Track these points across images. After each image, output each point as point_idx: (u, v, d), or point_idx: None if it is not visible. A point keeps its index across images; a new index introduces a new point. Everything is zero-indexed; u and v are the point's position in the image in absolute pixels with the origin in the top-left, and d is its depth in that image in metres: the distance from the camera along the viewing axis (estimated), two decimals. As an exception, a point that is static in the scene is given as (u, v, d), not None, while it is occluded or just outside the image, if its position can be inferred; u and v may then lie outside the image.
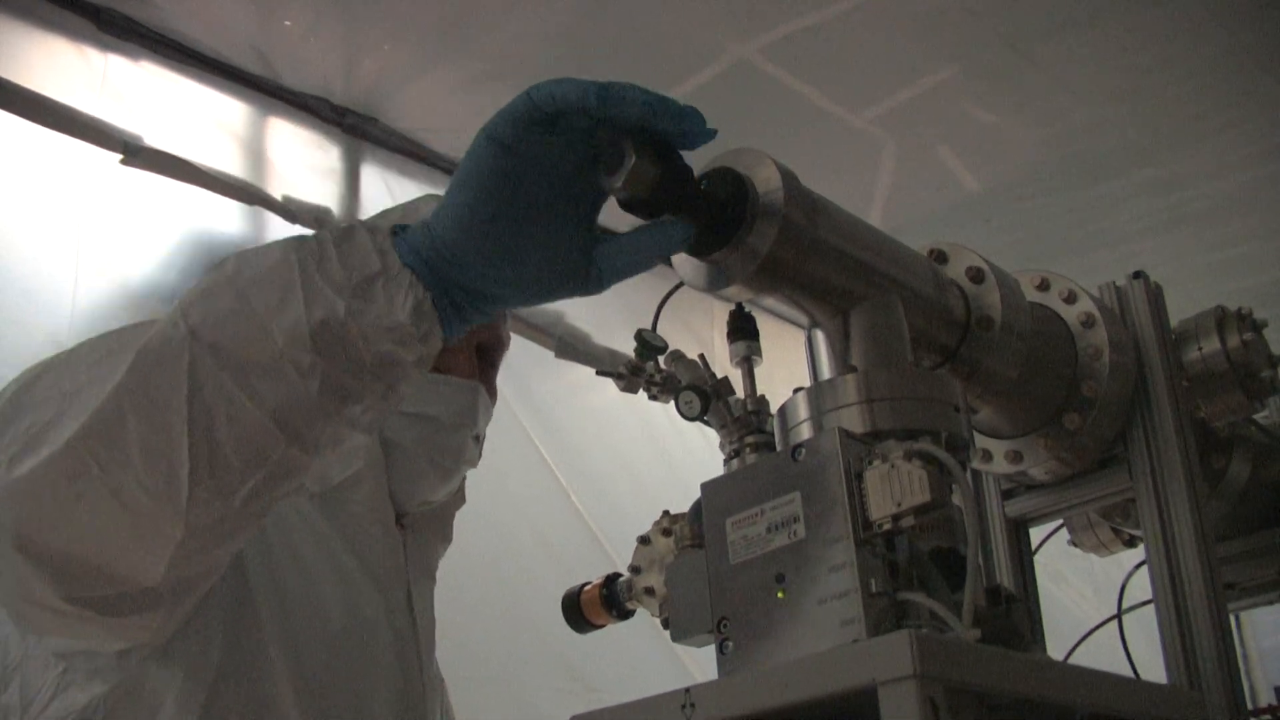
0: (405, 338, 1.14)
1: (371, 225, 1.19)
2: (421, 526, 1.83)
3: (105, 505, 1.18)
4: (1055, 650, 1.91)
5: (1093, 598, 4.57)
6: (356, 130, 3.29)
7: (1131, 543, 1.89)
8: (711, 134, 1.13)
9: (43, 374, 1.28)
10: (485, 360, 1.83)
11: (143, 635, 1.37)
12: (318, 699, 1.56)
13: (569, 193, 1.16)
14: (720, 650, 1.10)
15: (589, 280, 1.19)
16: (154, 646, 1.42)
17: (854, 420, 1.18)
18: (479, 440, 1.81)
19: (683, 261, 1.23)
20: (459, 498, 1.88)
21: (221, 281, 1.17)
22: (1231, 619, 1.49)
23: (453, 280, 1.16)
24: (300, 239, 1.17)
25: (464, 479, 1.87)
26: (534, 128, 1.12)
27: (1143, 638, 1.56)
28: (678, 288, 1.31)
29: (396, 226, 1.19)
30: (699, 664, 3.22)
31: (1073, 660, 1.91)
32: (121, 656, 1.41)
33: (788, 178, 1.19)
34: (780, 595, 1.06)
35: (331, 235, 1.17)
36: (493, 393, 1.84)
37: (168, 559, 1.21)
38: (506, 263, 1.15)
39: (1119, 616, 1.86)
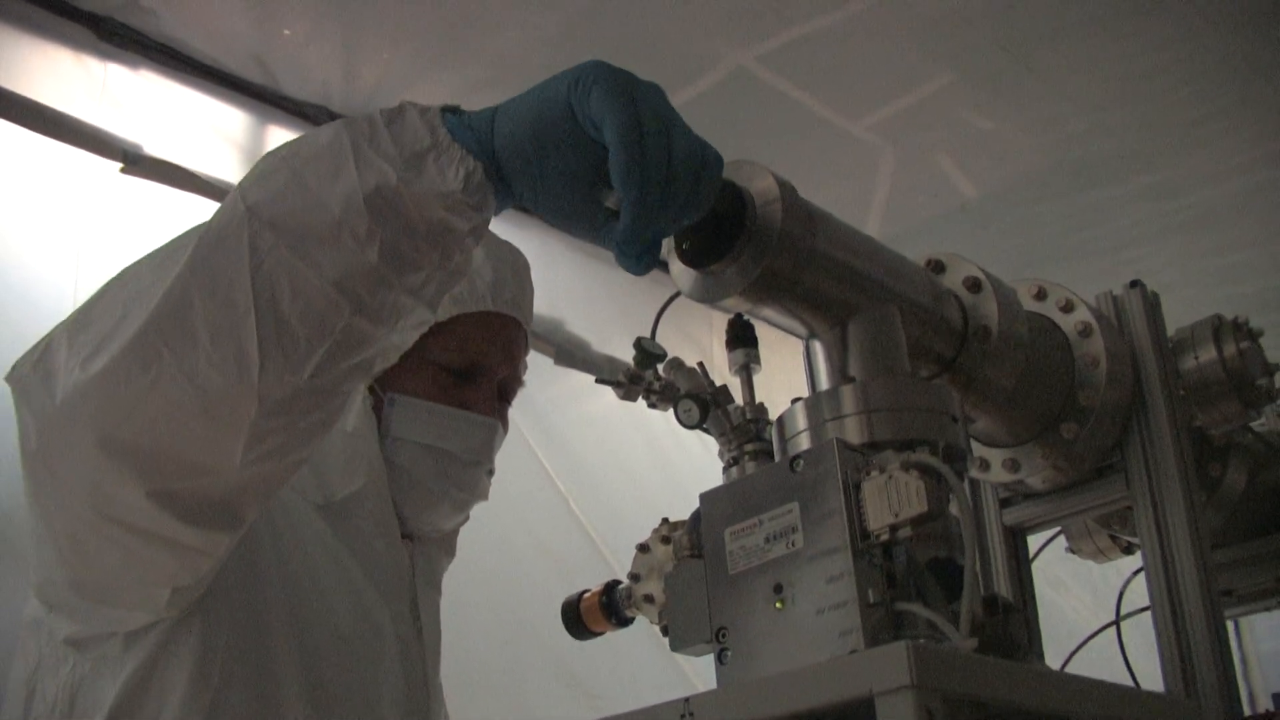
0: (457, 205, 1.18)
1: (422, 105, 1.21)
2: (427, 540, 1.85)
3: (180, 389, 1.20)
4: (1054, 656, 1.92)
5: (1092, 604, 4.56)
6: (356, 137, 3.29)
7: (1129, 550, 1.89)
8: (638, 270, 1.17)
9: (109, 287, 1.30)
10: (502, 396, 1.84)
11: (202, 566, 1.39)
12: (325, 703, 1.57)
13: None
14: (719, 660, 1.10)
15: (598, 237, 1.21)
16: (161, 632, 1.44)
17: (852, 431, 1.18)
18: (490, 474, 1.83)
19: (681, 273, 1.24)
20: (462, 519, 1.90)
21: (275, 162, 1.21)
22: (1230, 624, 1.50)
23: (500, 169, 1.19)
24: (351, 120, 1.21)
25: None
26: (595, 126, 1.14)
27: (1143, 643, 1.56)
28: (675, 297, 1.32)
29: (449, 106, 1.22)
30: (699, 671, 3.23)
31: (1073, 666, 1.92)
32: (128, 644, 1.43)
33: (785, 190, 1.20)
34: (779, 605, 1.07)
35: (382, 114, 1.20)
36: (506, 426, 1.86)
37: (244, 439, 1.23)
38: (536, 187, 1.18)
39: (1117, 623, 1.87)
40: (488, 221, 1.22)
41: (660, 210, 1.13)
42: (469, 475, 1.79)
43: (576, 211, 1.19)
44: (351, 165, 1.16)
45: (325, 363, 1.21)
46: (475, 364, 1.79)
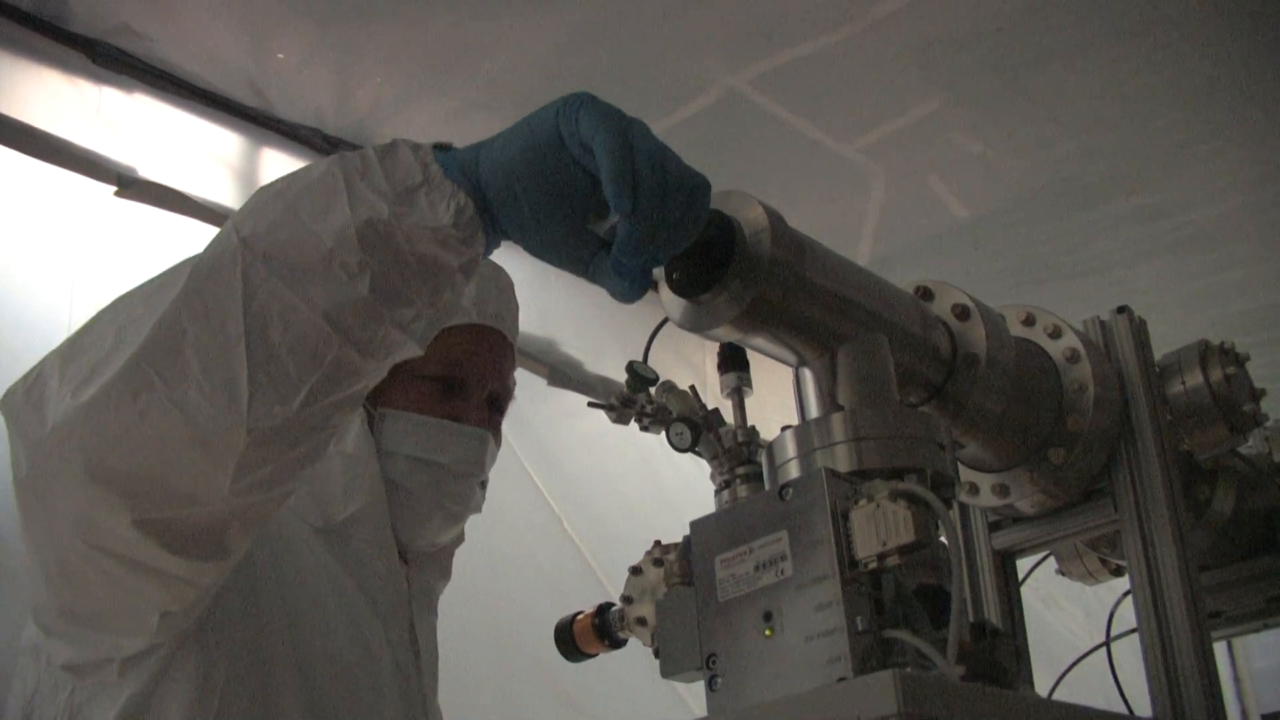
0: (448, 240, 1.19)
1: (414, 142, 1.23)
2: (422, 562, 1.85)
3: (170, 418, 1.21)
4: (1048, 673, 1.93)
5: (1084, 622, 4.57)
6: (349, 160, 3.31)
7: (1119, 572, 1.90)
8: (629, 297, 1.20)
9: (101, 315, 1.31)
10: (493, 408, 1.85)
11: (189, 596, 1.39)
12: None
13: (597, 195, 1.20)
14: (709, 687, 1.11)
15: (586, 271, 1.24)
16: (158, 659, 1.44)
17: (841, 459, 1.19)
18: (484, 486, 1.84)
19: (671, 302, 1.25)
20: (458, 537, 1.91)
21: (269, 195, 1.23)
22: (1223, 643, 1.51)
23: (488, 204, 1.21)
24: (343, 155, 1.23)
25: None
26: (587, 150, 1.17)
27: (1136, 662, 1.57)
28: (664, 323, 1.33)
29: (439, 144, 1.24)
30: (693, 692, 3.22)
31: (1065, 685, 1.93)
32: (124, 671, 1.43)
33: (775, 219, 1.21)
34: (768, 633, 1.08)
35: (375, 150, 1.22)
36: (498, 439, 1.87)
37: (233, 470, 1.23)
38: (524, 221, 1.20)
39: (1108, 644, 1.88)
40: (478, 258, 1.24)
41: (656, 226, 1.14)
42: (461, 487, 1.80)
43: (565, 243, 1.20)
44: (344, 199, 1.18)
45: (315, 395, 1.21)
46: (462, 376, 1.81)
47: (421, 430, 1.77)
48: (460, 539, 1.92)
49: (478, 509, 1.85)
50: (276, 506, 1.38)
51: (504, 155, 1.19)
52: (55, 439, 1.25)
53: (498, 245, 1.27)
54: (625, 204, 1.12)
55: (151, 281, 1.29)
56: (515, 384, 1.92)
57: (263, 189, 1.25)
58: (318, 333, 1.19)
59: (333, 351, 1.20)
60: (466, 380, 1.82)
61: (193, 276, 1.21)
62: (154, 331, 1.20)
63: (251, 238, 1.20)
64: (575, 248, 1.21)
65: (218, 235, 1.23)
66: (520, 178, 1.18)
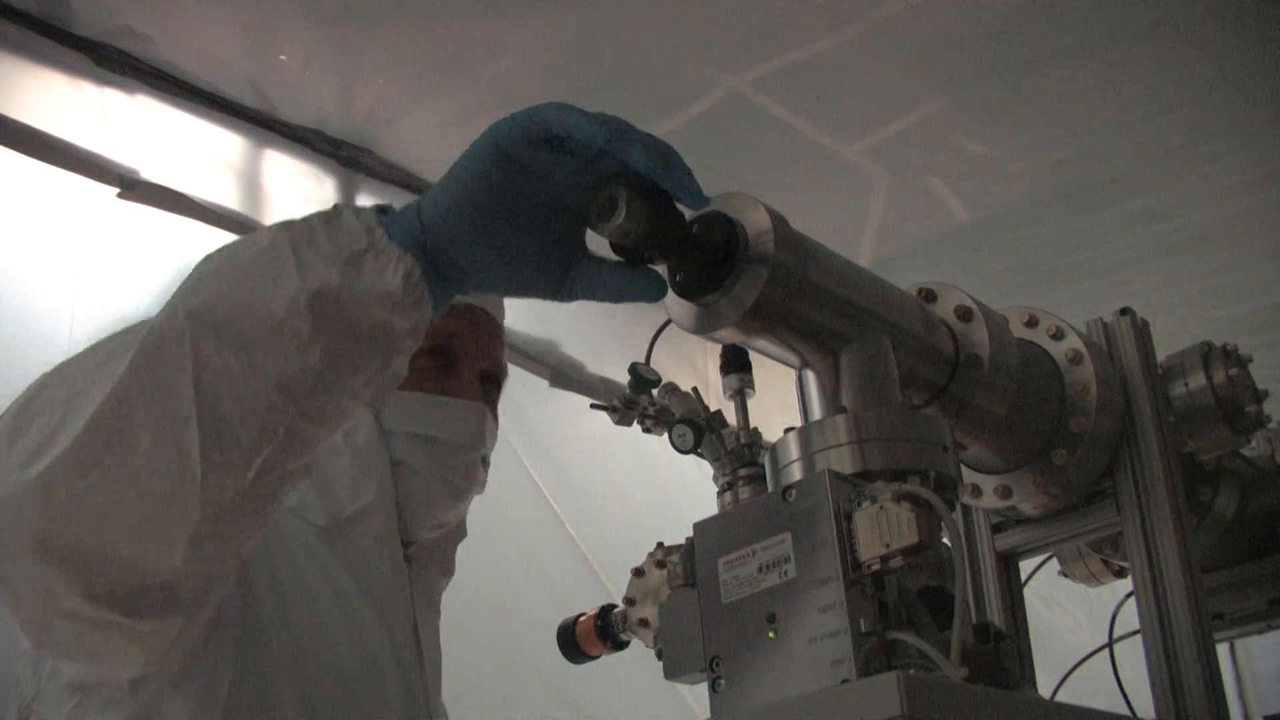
0: (398, 305, 1.18)
1: (357, 206, 1.22)
2: (425, 559, 1.85)
3: (121, 493, 1.19)
4: (1050, 675, 1.93)
5: (1087, 624, 4.56)
6: (351, 162, 3.31)
7: (1121, 573, 1.90)
8: (705, 201, 1.18)
9: (47, 383, 1.29)
10: (488, 384, 1.86)
11: (159, 645, 1.37)
12: None
13: (560, 207, 1.20)
14: (712, 689, 1.11)
15: (560, 291, 1.23)
16: (167, 675, 1.44)
17: (844, 461, 1.19)
18: (486, 464, 1.84)
19: (674, 303, 1.25)
20: (460, 531, 1.91)
21: (216, 264, 1.21)
22: (1225, 645, 1.51)
23: (438, 257, 1.20)
24: (287, 223, 1.21)
25: (466, 510, 1.89)
26: (539, 145, 1.16)
27: (1139, 663, 1.57)
28: (666, 325, 1.33)
29: (381, 206, 1.23)
30: (696, 694, 3.23)
31: (1068, 687, 1.93)
32: (134, 687, 1.43)
33: (778, 221, 1.21)
34: (771, 635, 1.08)
35: (319, 217, 1.20)
36: (495, 416, 1.88)
37: (186, 542, 1.22)
38: (488, 254, 1.19)
39: (1110, 646, 1.88)
40: (427, 321, 1.22)
41: (626, 129, 1.14)
42: (462, 460, 1.80)
43: (535, 263, 1.20)
44: (293, 268, 1.16)
45: (268, 466, 1.20)
46: (454, 351, 1.82)
47: (417, 406, 1.78)
48: (462, 533, 1.92)
49: (481, 486, 1.85)
50: (226, 584, 1.38)
51: (450, 198, 1.18)
52: (4, 515, 1.22)
53: (446, 306, 1.25)
54: (607, 120, 1.13)
55: (97, 350, 1.28)
56: (507, 366, 1.92)
57: (207, 258, 1.23)
58: (269, 404, 1.17)
59: (285, 422, 1.19)
60: (459, 356, 1.83)
61: (141, 350, 1.18)
62: (103, 406, 1.18)
63: (200, 310, 1.17)
64: (544, 268, 1.21)
65: (164, 307, 1.21)
66: (472, 211, 1.17)
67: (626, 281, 1.21)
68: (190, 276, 1.22)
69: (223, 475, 1.19)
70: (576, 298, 1.23)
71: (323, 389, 1.19)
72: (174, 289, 1.22)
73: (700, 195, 1.16)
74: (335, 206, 1.22)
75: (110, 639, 1.32)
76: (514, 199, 1.17)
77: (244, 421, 1.18)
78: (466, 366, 1.84)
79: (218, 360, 1.16)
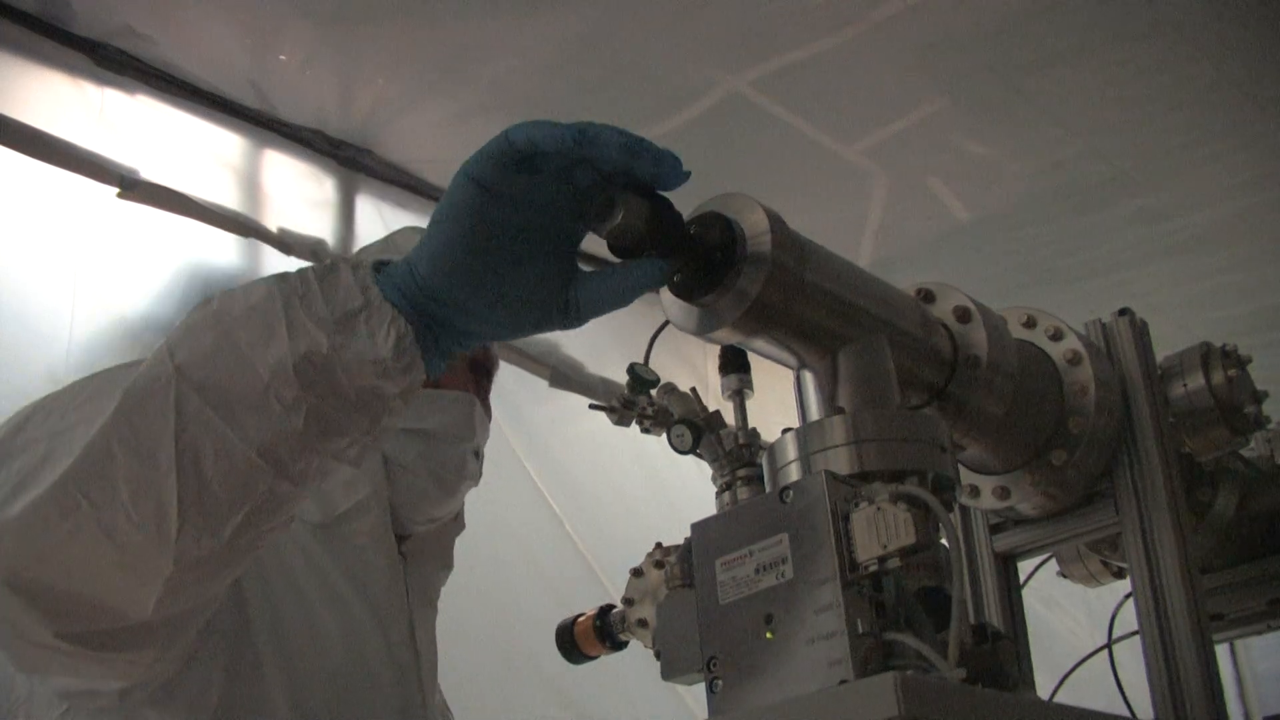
0: (388, 371, 1.16)
1: (355, 261, 1.21)
2: (422, 554, 1.84)
3: (96, 542, 1.19)
4: (1050, 676, 1.93)
5: (1087, 624, 4.57)
6: (351, 162, 3.31)
7: (1120, 574, 1.90)
8: (685, 176, 1.15)
9: (31, 416, 1.30)
10: (478, 373, 1.84)
11: (137, 672, 1.38)
12: None
13: (548, 230, 1.18)
14: (710, 689, 1.11)
15: (567, 315, 1.21)
16: (156, 684, 1.43)
17: (841, 461, 1.19)
18: (479, 456, 1.83)
19: (671, 304, 1.25)
20: (458, 523, 1.90)
21: (207, 319, 1.19)
22: (1225, 645, 1.51)
23: (433, 315, 1.18)
24: (283, 276, 1.19)
25: (463, 503, 1.88)
26: (512, 168, 1.13)
27: (1139, 665, 1.57)
28: (665, 326, 1.33)
29: (378, 262, 1.20)
30: (695, 694, 3.23)
31: (1067, 687, 1.93)
32: (123, 696, 1.42)
33: (775, 222, 1.21)
34: (769, 635, 1.08)
35: (315, 271, 1.18)
36: (487, 409, 1.86)
37: (158, 593, 1.23)
38: (485, 300, 1.17)
39: (1109, 647, 1.88)
40: (418, 384, 1.20)
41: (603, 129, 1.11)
42: (452, 453, 1.78)
43: (538, 291, 1.18)
44: (283, 329, 1.15)
45: (245, 525, 1.20)
46: None
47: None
48: (461, 525, 1.91)
49: (475, 479, 1.83)
50: (203, 617, 1.39)
51: (439, 250, 1.15)
52: None
53: (440, 370, 1.23)
54: (579, 127, 1.10)
55: (85, 384, 1.28)
56: (497, 357, 1.90)
57: (201, 305, 1.21)
58: (250, 466, 1.17)
59: (265, 484, 1.18)
60: None
61: (125, 399, 1.18)
62: (85, 453, 1.18)
63: (186, 366, 1.17)
64: (548, 295, 1.19)
65: (154, 354, 1.20)
66: (465, 257, 1.15)
67: (627, 277, 1.19)
68: (183, 323, 1.21)
69: (199, 533, 1.19)
70: (584, 318, 1.21)
71: (306, 452, 1.18)
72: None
73: (677, 172, 1.13)
74: (333, 261, 1.20)
75: (84, 665, 1.33)
76: (494, 231, 1.14)
77: (224, 481, 1.17)
78: (456, 359, 1.81)
79: (200, 420, 1.16)
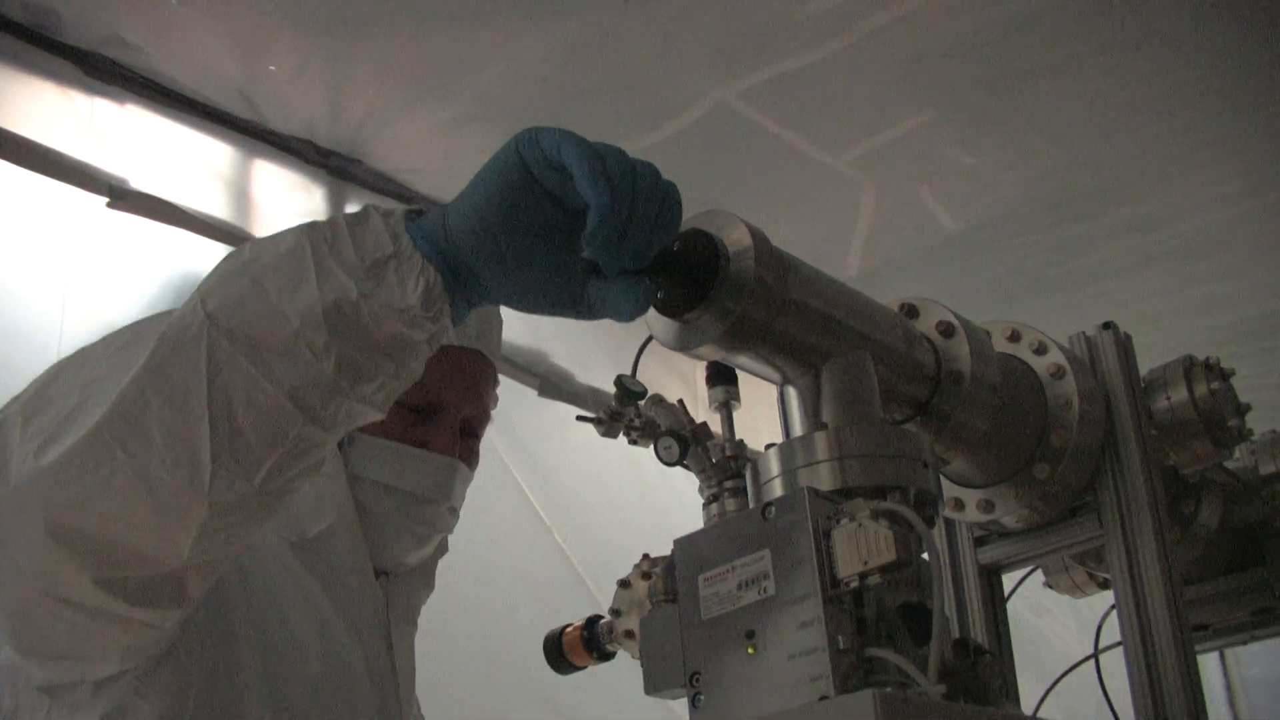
0: (416, 320, 1.19)
1: (385, 210, 1.23)
2: (402, 575, 1.85)
3: (132, 488, 1.21)
4: (1039, 682, 1.93)
5: (1077, 631, 4.57)
6: (341, 172, 3.31)
7: (1106, 585, 1.91)
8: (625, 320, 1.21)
9: (64, 368, 1.31)
10: (468, 432, 1.84)
11: (150, 639, 1.40)
12: None
13: (571, 226, 1.20)
14: (692, 704, 1.12)
15: (581, 308, 1.23)
16: (133, 677, 1.45)
17: (824, 477, 1.20)
18: (454, 512, 1.83)
19: (655, 319, 1.25)
20: (440, 548, 1.90)
21: (237, 267, 1.22)
22: (1215, 653, 1.51)
23: (460, 268, 1.21)
24: (314, 224, 1.22)
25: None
26: (555, 167, 1.17)
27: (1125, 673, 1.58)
28: (650, 340, 1.34)
29: (410, 211, 1.23)
30: (683, 705, 3.22)
31: (1059, 693, 1.94)
32: (97, 691, 1.44)
33: (758, 239, 1.22)
34: (750, 651, 1.09)
35: (345, 219, 1.21)
36: (475, 461, 1.86)
37: (193, 538, 1.24)
38: (502, 269, 1.20)
39: (1096, 656, 1.89)
40: (445, 331, 1.23)
41: (630, 216, 1.14)
42: (428, 511, 1.78)
43: (553, 283, 1.20)
44: (312, 276, 1.17)
45: (276, 469, 1.22)
46: (435, 402, 1.78)
47: (390, 457, 1.76)
48: (444, 549, 1.91)
49: (446, 530, 1.84)
50: (236, 554, 1.40)
51: (474, 209, 1.18)
52: (17, 498, 1.25)
53: (465, 316, 1.26)
54: (602, 194, 1.12)
55: (118, 335, 1.29)
56: (497, 401, 1.90)
57: (232, 254, 1.24)
58: (281, 411, 1.19)
59: (295, 428, 1.20)
60: (440, 406, 1.79)
61: (158, 347, 1.20)
62: (118, 400, 1.20)
63: (217, 313, 1.19)
64: (563, 286, 1.21)
65: (186, 303, 1.22)
66: (496, 226, 1.17)
67: (628, 293, 1.21)
68: (214, 271, 1.24)
69: (232, 477, 1.21)
70: (596, 316, 1.23)
71: (336, 397, 1.20)
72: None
73: (622, 308, 1.19)
74: (365, 208, 1.23)
75: (103, 626, 1.34)
76: (530, 214, 1.18)
77: (255, 426, 1.19)
78: (448, 416, 1.80)
79: (232, 366, 1.18)
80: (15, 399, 1.32)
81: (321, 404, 1.20)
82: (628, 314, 1.21)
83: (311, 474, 1.29)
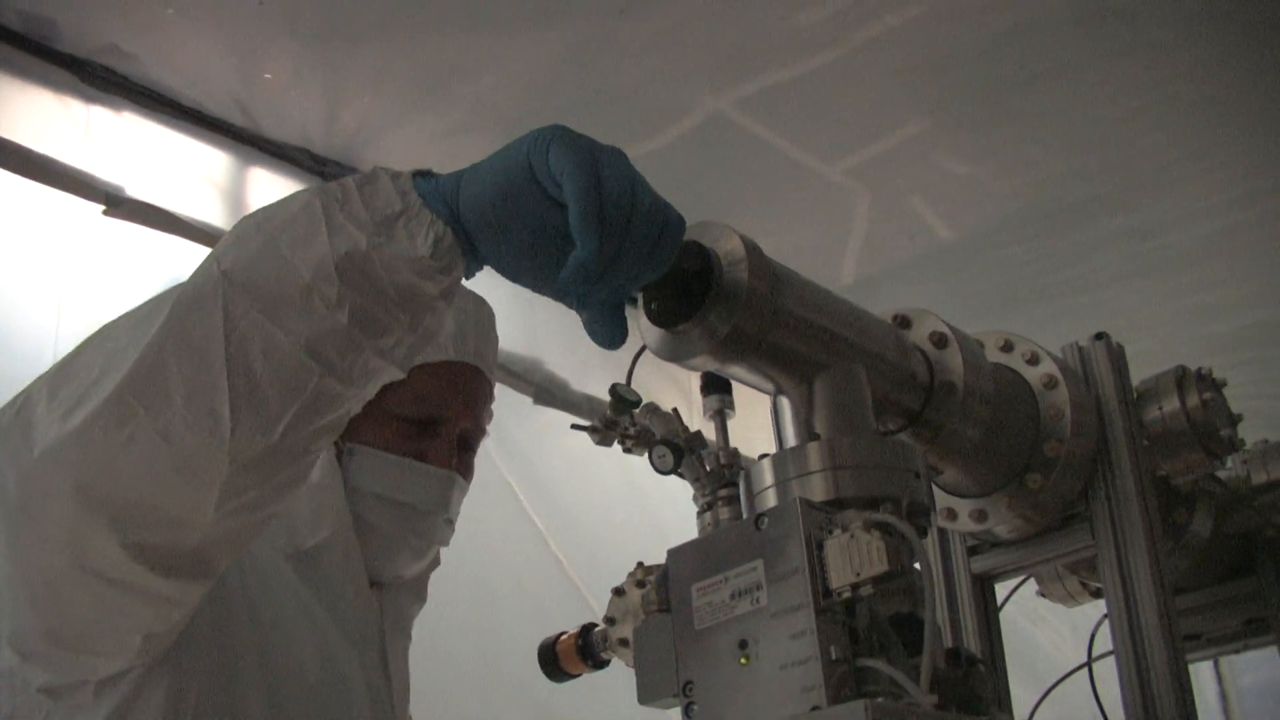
0: (427, 270, 1.20)
1: (394, 171, 1.25)
2: (396, 587, 1.86)
3: (155, 447, 1.22)
4: (1032, 692, 1.94)
5: (1071, 639, 4.57)
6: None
7: (1099, 594, 1.91)
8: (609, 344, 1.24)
9: (90, 341, 1.32)
10: (464, 446, 1.86)
11: (173, 617, 1.42)
12: None
13: (567, 226, 1.20)
14: (686, 714, 1.13)
15: (570, 300, 1.25)
16: (134, 677, 1.46)
17: (817, 488, 1.21)
18: (450, 524, 1.84)
19: (649, 330, 1.26)
20: (434, 561, 1.91)
21: (250, 227, 1.24)
22: (1209, 661, 1.52)
23: (469, 226, 1.22)
24: (324, 185, 1.24)
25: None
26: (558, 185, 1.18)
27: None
28: (644, 350, 1.34)
29: (421, 171, 1.25)
30: (677, 713, 3.22)
31: (1053, 701, 1.94)
32: (99, 693, 1.44)
33: (752, 250, 1.22)
34: (743, 661, 1.09)
35: (355, 179, 1.23)
36: (470, 473, 1.87)
37: (217, 495, 1.25)
38: (507, 255, 1.22)
39: (1089, 665, 1.89)
40: (457, 284, 1.25)
41: (616, 257, 1.15)
42: (426, 524, 1.80)
43: (546, 273, 1.22)
44: (323, 230, 1.19)
45: (296, 423, 1.23)
46: (434, 416, 1.81)
47: (388, 470, 1.78)
48: (436, 563, 1.92)
49: (444, 543, 1.86)
50: (261, 528, 1.40)
51: (479, 190, 1.21)
52: (44, 464, 1.26)
53: (479, 269, 1.28)
54: (590, 239, 1.14)
55: (139, 309, 1.31)
56: (491, 417, 1.92)
57: (246, 218, 1.26)
58: (298, 364, 1.20)
59: (313, 381, 1.21)
60: (438, 420, 1.81)
61: (175, 308, 1.22)
62: (138, 362, 1.21)
63: (232, 270, 1.21)
64: (554, 276, 1.22)
65: (201, 265, 1.25)
66: (495, 213, 1.20)
67: (604, 319, 1.23)
68: (228, 235, 1.26)
69: (252, 431, 1.22)
70: (581, 309, 1.25)
71: (352, 349, 1.22)
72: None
73: (601, 333, 1.23)
74: (374, 169, 1.25)
75: (129, 600, 1.35)
76: (536, 214, 1.19)
77: (273, 380, 1.21)
78: (446, 430, 1.82)
79: (248, 320, 1.20)
80: (40, 377, 1.33)
81: (339, 356, 1.21)
82: (603, 344, 1.24)
83: (332, 433, 1.30)
